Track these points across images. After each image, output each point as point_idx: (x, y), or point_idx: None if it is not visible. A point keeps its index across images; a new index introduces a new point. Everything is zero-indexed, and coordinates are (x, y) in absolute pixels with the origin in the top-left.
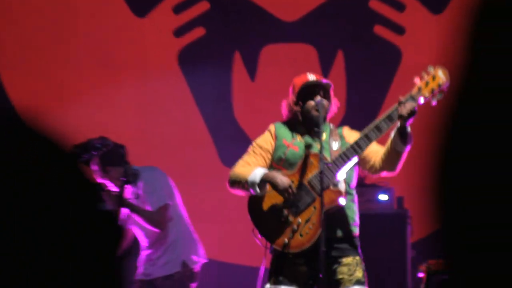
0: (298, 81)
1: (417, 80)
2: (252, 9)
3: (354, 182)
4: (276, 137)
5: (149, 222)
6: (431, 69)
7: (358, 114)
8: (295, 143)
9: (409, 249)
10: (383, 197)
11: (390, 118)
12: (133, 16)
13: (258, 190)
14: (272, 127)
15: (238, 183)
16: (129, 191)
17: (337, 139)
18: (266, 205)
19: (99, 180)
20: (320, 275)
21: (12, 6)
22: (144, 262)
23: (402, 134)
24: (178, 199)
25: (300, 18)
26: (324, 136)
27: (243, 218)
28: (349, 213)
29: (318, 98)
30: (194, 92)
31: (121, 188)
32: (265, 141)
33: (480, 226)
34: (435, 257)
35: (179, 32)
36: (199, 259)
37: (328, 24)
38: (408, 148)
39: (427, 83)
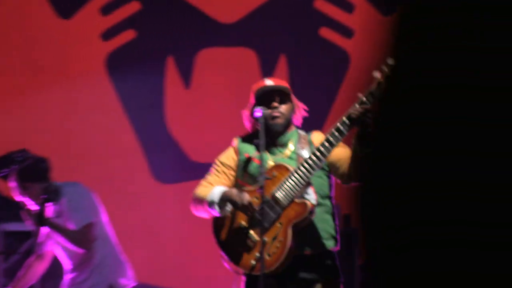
0: (254, 88)
1: (377, 74)
2: (187, 10)
3: (327, 191)
4: (238, 152)
5: (72, 242)
6: (390, 61)
7: (304, 123)
8: (257, 156)
9: (357, 272)
10: None
11: (350, 119)
12: (57, 17)
13: (218, 210)
14: (235, 141)
15: (199, 204)
16: (50, 210)
17: (306, 146)
18: (230, 226)
19: (18, 197)
20: None
21: None
22: (68, 287)
23: (361, 137)
24: (104, 216)
25: (239, 20)
26: (290, 145)
27: (175, 237)
28: (322, 225)
29: (258, 108)
30: (123, 99)
31: (42, 206)
32: (227, 158)
33: (401, 226)
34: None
35: (107, 34)
36: (128, 282)
37: (270, 26)
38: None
39: (388, 78)
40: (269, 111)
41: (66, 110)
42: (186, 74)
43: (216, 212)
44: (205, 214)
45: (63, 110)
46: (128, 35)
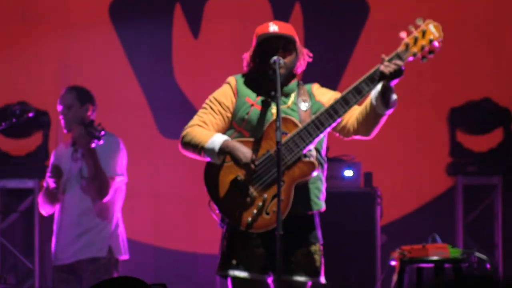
0: (258, 32)
1: (403, 35)
2: None
3: (325, 149)
4: (237, 93)
5: (93, 182)
6: (420, 22)
7: (320, 76)
8: (258, 102)
9: (379, 233)
10: (348, 173)
11: (371, 79)
12: None
13: (215, 159)
14: (232, 80)
15: (193, 147)
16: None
17: (306, 98)
18: (226, 177)
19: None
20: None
21: None
22: (64, 242)
23: (384, 95)
24: (125, 180)
25: None
26: (293, 96)
27: (182, 196)
28: (312, 186)
29: (275, 57)
30: (128, 50)
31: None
32: (225, 96)
33: None
34: (409, 243)
35: None
36: (124, 254)
37: None
38: (390, 111)
39: (415, 39)
40: (275, 58)
41: (66, 61)
42: (194, 24)
43: (210, 159)
44: (194, 156)
45: (62, 60)
46: None
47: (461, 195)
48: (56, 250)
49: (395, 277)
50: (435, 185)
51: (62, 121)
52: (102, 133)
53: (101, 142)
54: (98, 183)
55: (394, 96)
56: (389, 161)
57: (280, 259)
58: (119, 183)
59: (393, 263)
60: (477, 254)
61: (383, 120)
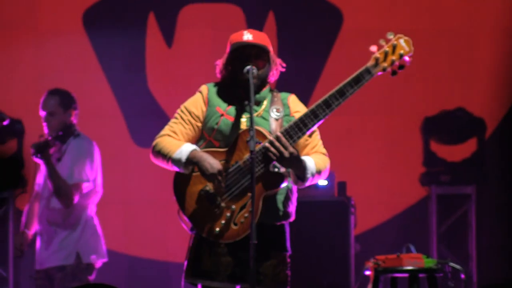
0: (232, 39)
1: (373, 49)
2: None
3: None
4: (208, 102)
5: (56, 191)
6: (390, 36)
7: (294, 85)
8: (229, 112)
9: (352, 242)
10: (322, 182)
11: (341, 93)
12: None
13: (183, 169)
14: (204, 89)
15: (162, 156)
16: (56, 148)
17: (279, 107)
18: (195, 186)
19: (42, 114)
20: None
21: None
22: (38, 248)
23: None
24: (97, 184)
25: None
26: (264, 104)
27: (153, 205)
28: (282, 197)
29: (248, 66)
30: (101, 58)
31: (52, 139)
32: (195, 106)
33: None
34: (383, 252)
35: None
36: (98, 258)
37: None
38: (309, 183)
39: (385, 54)
40: (249, 67)
41: (39, 68)
42: (168, 33)
43: (178, 169)
44: (165, 166)
45: (35, 68)
46: None
47: (435, 204)
48: (36, 255)
49: (369, 287)
50: (409, 195)
51: (46, 128)
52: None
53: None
54: (59, 193)
55: (309, 174)
56: (363, 171)
57: (254, 267)
58: (86, 188)
59: (367, 272)
60: (451, 264)
61: (312, 182)
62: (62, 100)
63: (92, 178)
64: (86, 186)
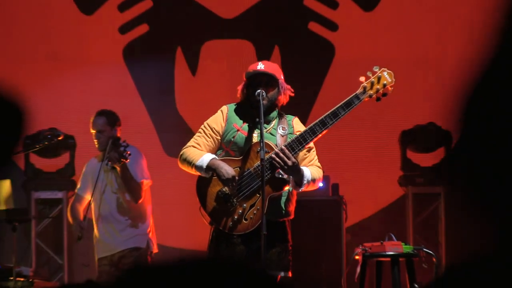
0: (249, 69)
1: (362, 79)
2: (193, 6)
3: None
4: (227, 119)
5: (129, 189)
6: (376, 69)
7: (293, 107)
8: (244, 128)
9: (344, 233)
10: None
11: (335, 115)
12: (80, 14)
13: (204, 174)
14: (224, 108)
15: (187, 164)
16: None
17: (285, 127)
18: (213, 188)
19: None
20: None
21: None
22: (104, 238)
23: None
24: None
25: (239, 16)
26: (273, 123)
27: (182, 204)
28: (284, 199)
29: (259, 90)
30: (139, 86)
31: (114, 142)
32: (215, 122)
33: None
34: (369, 241)
35: (124, 28)
36: (153, 249)
37: (265, 21)
38: (305, 188)
39: (372, 84)
40: (259, 91)
41: (87, 93)
42: (192, 63)
43: (200, 174)
44: (189, 171)
45: (84, 93)
46: (142, 29)
47: (411, 202)
48: (98, 246)
49: (358, 269)
50: (389, 194)
51: (97, 144)
52: (128, 152)
53: (128, 160)
54: (131, 189)
55: (305, 181)
56: (352, 175)
57: (264, 253)
58: (146, 185)
59: (356, 257)
60: (425, 249)
61: (307, 189)
62: (108, 119)
63: (148, 176)
64: (146, 183)
